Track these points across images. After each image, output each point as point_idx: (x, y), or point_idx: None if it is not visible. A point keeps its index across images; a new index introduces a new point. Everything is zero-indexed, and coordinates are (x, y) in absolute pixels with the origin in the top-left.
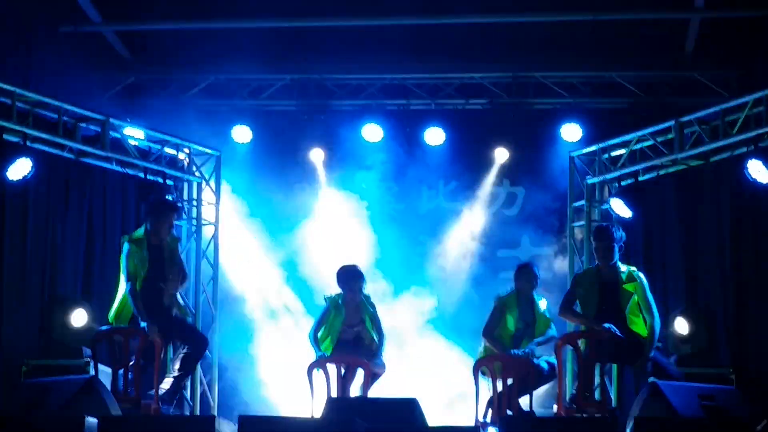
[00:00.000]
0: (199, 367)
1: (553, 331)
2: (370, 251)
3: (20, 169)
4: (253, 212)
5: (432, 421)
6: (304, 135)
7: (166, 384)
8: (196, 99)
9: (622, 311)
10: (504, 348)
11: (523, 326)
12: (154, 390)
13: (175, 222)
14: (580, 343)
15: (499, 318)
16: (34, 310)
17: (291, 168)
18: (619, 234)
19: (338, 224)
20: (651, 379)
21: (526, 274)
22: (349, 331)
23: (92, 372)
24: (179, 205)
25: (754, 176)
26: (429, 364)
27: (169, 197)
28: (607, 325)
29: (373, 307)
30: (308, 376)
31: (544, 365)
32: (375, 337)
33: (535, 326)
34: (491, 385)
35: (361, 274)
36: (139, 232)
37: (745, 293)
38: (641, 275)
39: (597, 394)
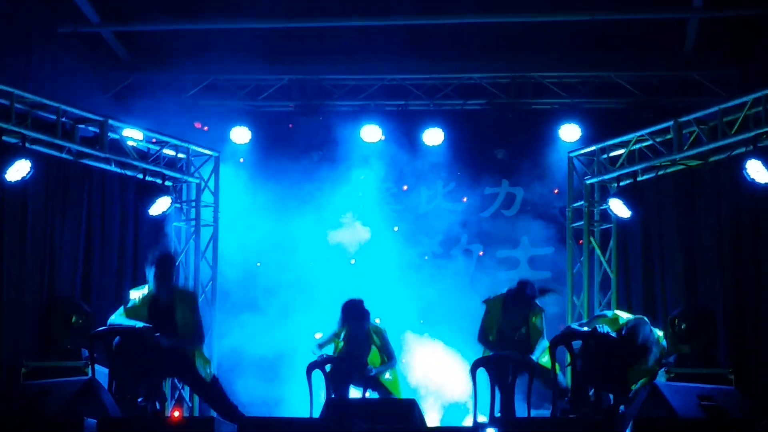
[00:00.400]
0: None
1: (545, 343)
2: (368, 251)
3: (19, 170)
4: (252, 213)
5: (430, 421)
6: (302, 135)
7: None
8: (195, 100)
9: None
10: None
11: (510, 331)
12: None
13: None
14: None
15: (488, 320)
16: (33, 311)
17: (289, 168)
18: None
19: (337, 225)
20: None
21: (519, 299)
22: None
23: (91, 373)
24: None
25: (752, 176)
26: (427, 365)
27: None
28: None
29: (381, 337)
30: (308, 376)
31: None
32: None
33: (528, 333)
34: (489, 385)
35: (364, 314)
36: (137, 293)
37: (744, 293)
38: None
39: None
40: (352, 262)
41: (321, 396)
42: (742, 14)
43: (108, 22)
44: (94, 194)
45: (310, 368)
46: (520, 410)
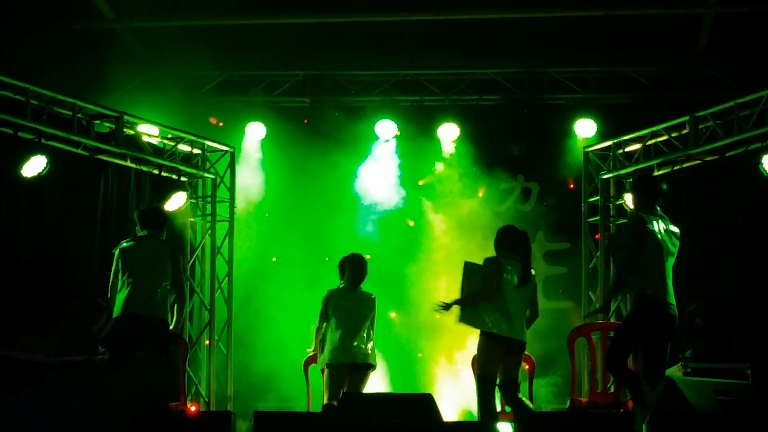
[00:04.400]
0: (213, 364)
1: None
2: (384, 246)
3: (35, 166)
4: (268, 208)
5: (446, 416)
6: (317, 131)
7: None
8: (210, 95)
9: None
10: None
11: None
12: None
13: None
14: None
15: None
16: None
17: (305, 164)
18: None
19: (352, 219)
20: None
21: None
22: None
23: None
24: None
25: None
26: (443, 359)
27: None
28: None
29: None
30: (305, 371)
31: None
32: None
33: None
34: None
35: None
36: None
37: (760, 287)
38: None
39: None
40: (368, 257)
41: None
42: (757, 9)
43: (123, 18)
44: (110, 190)
45: (307, 363)
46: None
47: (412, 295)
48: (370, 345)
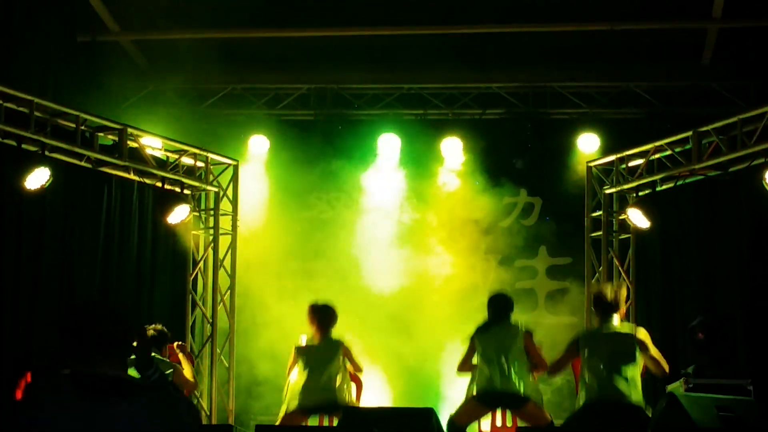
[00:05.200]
0: (215, 377)
1: None
2: (387, 261)
3: (38, 178)
4: (270, 221)
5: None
6: (321, 144)
7: None
8: (214, 108)
9: None
10: None
11: None
12: None
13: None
14: None
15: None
16: (50, 319)
17: (308, 177)
18: None
19: (355, 234)
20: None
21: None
22: None
23: None
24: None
25: None
26: (444, 374)
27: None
28: None
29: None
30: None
31: None
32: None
33: None
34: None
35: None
36: None
37: (764, 303)
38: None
39: None
40: (373, 269)
41: None
42: (761, 25)
43: (127, 31)
44: (113, 202)
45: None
46: None
47: (413, 310)
48: (337, 385)
